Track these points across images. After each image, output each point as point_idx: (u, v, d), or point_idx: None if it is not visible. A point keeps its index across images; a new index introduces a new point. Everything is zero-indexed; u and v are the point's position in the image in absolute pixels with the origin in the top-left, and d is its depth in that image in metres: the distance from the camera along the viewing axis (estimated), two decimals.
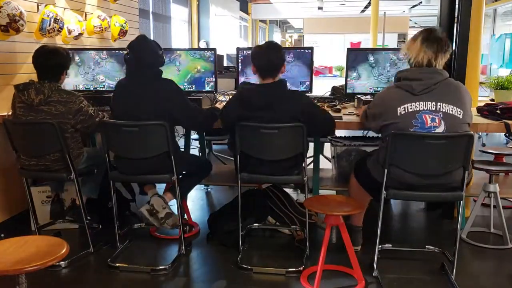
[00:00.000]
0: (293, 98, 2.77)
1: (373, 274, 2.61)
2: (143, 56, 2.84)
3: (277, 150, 2.75)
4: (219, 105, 3.22)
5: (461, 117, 2.44)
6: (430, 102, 2.43)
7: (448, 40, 2.58)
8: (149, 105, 2.78)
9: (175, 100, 2.84)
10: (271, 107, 2.70)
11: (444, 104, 2.42)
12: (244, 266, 2.76)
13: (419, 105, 2.43)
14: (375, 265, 2.63)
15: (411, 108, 2.44)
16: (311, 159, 3.47)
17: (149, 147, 2.77)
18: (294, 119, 2.69)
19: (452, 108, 2.42)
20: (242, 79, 3.55)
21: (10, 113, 2.96)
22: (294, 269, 2.70)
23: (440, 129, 2.42)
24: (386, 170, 2.49)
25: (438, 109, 2.42)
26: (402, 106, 2.46)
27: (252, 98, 2.75)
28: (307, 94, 3.67)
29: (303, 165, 2.84)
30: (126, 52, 2.89)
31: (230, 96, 3.47)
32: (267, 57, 2.77)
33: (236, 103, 2.84)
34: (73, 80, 3.77)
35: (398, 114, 2.46)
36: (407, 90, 2.47)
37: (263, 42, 2.92)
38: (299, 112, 2.71)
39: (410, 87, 2.46)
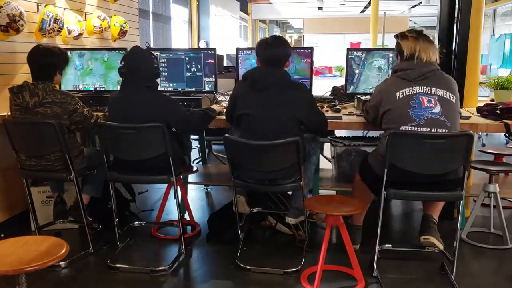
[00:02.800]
0: (299, 87, 2.80)
1: (373, 274, 2.61)
2: (138, 68, 2.80)
3: (271, 163, 2.68)
4: (216, 107, 3.20)
5: (454, 102, 2.58)
6: (425, 87, 2.57)
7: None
8: (143, 115, 2.74)
9: (170, 113, 2.81)
10: (276, 89, 2.68)
11: (438, 89, 2.56)
12: (243, 266, 2.76)
13: (415, 89, 2.57)
14: (375, 265, 2.63)
15: (408, 92, 2.57)
16: None
17: (146, 149, 2.76)
18: (296, 108, 2.68)
19: (446, 93, 2.57)
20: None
21: (9, 113, 2.96)
22: (292, 269, 2.70)
23: (436, 109, 2.52)
24: (386, 170, 2.50)
25: (433, 93, 2.56)
26: (401, 91, 2.59)
27: (259, 78, 2.71)
28: None
29: (300, 172, 2.73)
30: (121, 64, 2.85)
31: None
32: (273, 49, 2.74)
33: (241, 83, 2.84)
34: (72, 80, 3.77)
35: (397, 98, 2.58)
36: (403, 78, 2.62)
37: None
38: (303, 103, 2.71)
39: (406, 75, 2.61)
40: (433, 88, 2.55)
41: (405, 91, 2.57)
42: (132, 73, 2.81)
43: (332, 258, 2.75)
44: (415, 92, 2.56)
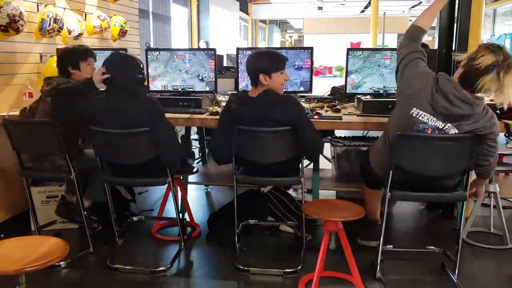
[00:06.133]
0: (284, 106, 2.64)
1: (376, 276, 2.59)
2: (118, 77, 2.68)
3: (272, 153, 2.70)
4: (217, 108, 3.16)
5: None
6: (441, 122, 2.36)
7: None
8: (129, 124, 2.64)
9: (153, 119, 2.68)
10: (262, 122, 2.62)
11: (452, 128, 2.35)
12: (241, 267, 2.75)
13: (429, 119, 2.37)
14: (378, 266, 2.61)
15: (421, 117, 2.39)
16: None
17: (139, 153, 2.72)
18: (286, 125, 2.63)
19: (459, 133, 2.35)
20: (241, 81, 3.54)
21: (10, 113, 2.96)
22: (292, 270, 2.69)
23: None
24: (391, 171, 2.46)
25: (444, 129, 2.37)
26: (418, 110, 2.38)
27: (243, 117, 2.66)
28: (307, 95, 3.67)
29: (300, 166, 2.80)
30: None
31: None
32: (247, 64, 2.75)
33: (230, 120, 2.71)
34: None
35: (410, 112, 2.40)
36: (432, 100, 2.34)
37: (264, 45, 2.84)
38: (290, 120, 2.62)
39: (435, 102, 2.33)
40: (447, 124, 2.34)
41: (421, 113, 2.36)
42: (112, 82, 2.71)
43: (331, 264, 2.69)
44: (426, 121, 2.37)
